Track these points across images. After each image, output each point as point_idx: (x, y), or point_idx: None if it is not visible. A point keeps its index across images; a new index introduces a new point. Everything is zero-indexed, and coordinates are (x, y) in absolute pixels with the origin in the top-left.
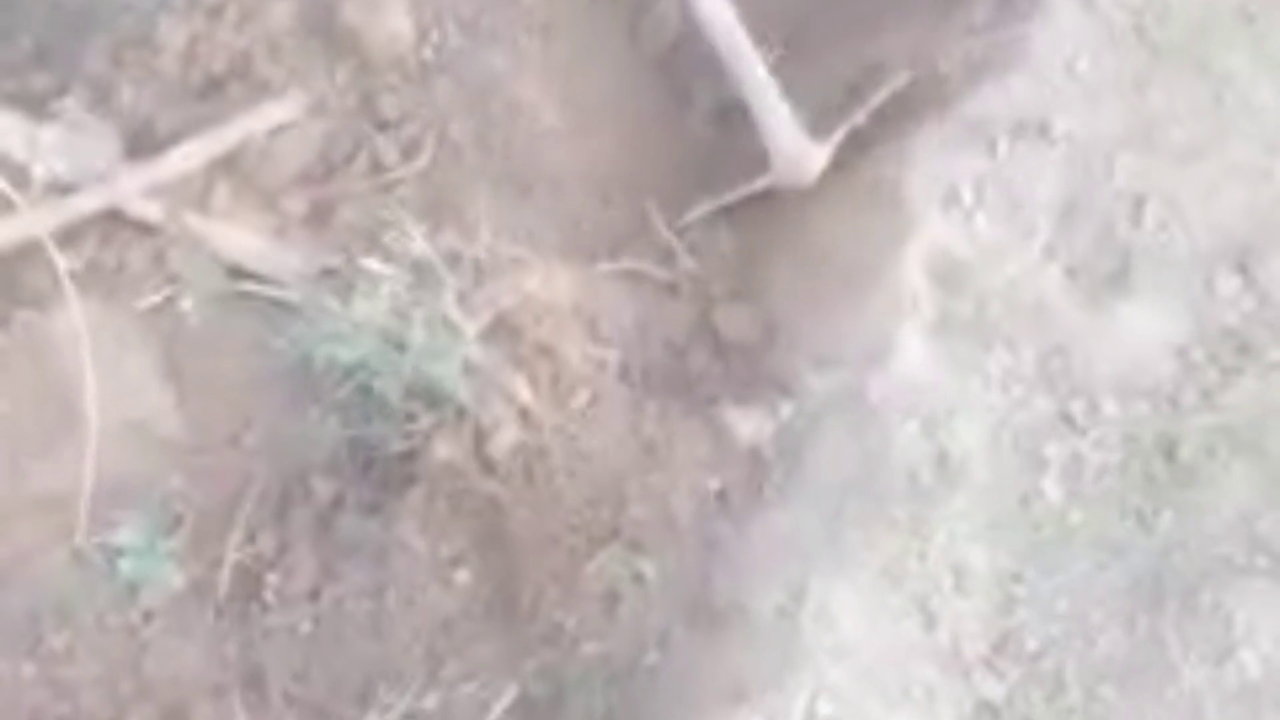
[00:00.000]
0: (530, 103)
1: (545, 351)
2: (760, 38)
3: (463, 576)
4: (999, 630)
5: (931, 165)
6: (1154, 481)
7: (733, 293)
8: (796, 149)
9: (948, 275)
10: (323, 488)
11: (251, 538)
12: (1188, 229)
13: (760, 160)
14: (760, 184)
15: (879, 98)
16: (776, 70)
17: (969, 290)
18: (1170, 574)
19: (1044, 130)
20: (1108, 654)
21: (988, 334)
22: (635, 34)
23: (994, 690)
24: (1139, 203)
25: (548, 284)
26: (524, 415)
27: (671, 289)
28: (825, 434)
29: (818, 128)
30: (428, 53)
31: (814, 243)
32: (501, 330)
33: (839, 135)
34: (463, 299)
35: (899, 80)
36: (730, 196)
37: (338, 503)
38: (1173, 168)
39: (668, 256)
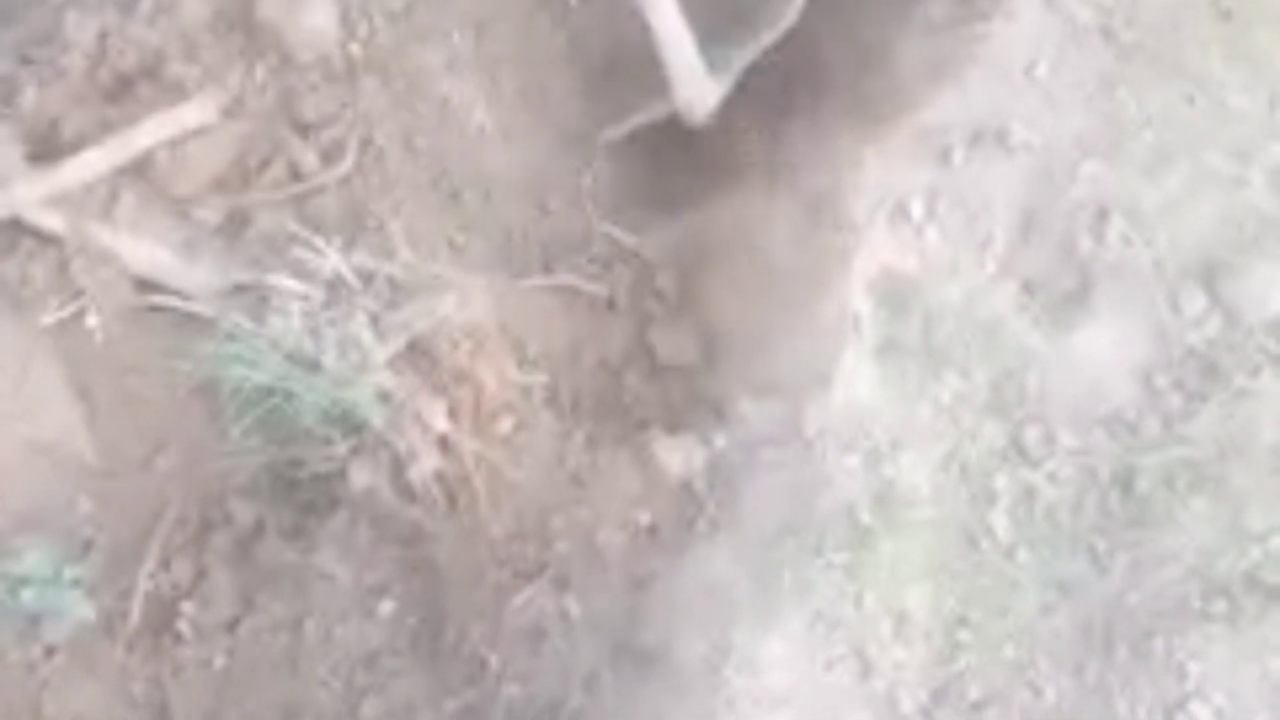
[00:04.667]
0: (462, 102)
1: (464, 377)
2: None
3: (386, 607)
4: (940, 678)
5: (878, 177)
6: (1109, 517)
7: (671, 311)
8: (694, 81)
9: (894, 295)
10: (242, 512)
11: (166, 565)
12: (1153, 243)
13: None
14: (659, 111)
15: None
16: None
17: (917, 311)
18: (1122, 618)
19: (1002, 137)
20: (1054, 705)
21: (937, 358)
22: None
23: None
24: (1102, 215)
25: (467, 304)
26: (443, 443)
27: (608, 305)
28: (761, 467)
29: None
30: (354, 49)
31: (755, 259)
32: (419, 354)
33: (738, 67)
34: (375, 321)
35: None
36: (632, 122)
37: (258, 528)
38: (1139, 177)
39: (606, 269)
